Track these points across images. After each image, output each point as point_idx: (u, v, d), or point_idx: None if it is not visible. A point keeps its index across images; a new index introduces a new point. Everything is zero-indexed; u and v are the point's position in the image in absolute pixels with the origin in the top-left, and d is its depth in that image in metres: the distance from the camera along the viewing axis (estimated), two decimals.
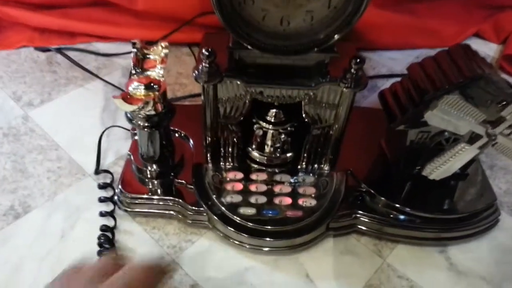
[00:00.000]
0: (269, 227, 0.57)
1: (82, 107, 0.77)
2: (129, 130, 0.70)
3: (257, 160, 0.63)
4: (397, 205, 0.60)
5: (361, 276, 0.57)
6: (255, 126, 0.61)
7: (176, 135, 0.67)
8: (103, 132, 0.70)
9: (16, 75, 0.84)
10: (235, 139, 0.61)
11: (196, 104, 0.78)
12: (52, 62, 0.87)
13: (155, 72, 0.54)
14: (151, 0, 0.89)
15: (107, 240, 0.57)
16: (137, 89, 0.52)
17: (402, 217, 0.60)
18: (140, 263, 0.42)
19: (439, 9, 0.98)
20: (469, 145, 0.50)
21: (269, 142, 0.62)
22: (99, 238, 0.57)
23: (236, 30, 0.48)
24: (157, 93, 0.52)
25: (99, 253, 0.56)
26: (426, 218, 0.60)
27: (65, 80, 0.83)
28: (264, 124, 0.60)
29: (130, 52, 0.87)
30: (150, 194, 0.61)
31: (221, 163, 0.63)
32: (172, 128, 0.66)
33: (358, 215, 0.60)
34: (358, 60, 0.49)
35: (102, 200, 0.61)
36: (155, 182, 0.62)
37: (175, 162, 0.63)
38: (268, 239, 0.57)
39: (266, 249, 0.58)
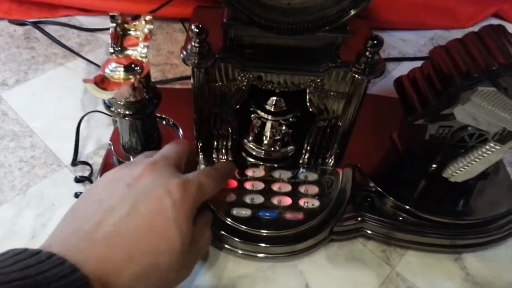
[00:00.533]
0: (265, 231, 0.51)
1: (61, 89, 0.70)
2: (110, 115, 0.63)
3: (254, 153, 0.57)
4: (408, 207, 0.53)
5: (367, 286, 0.51)
6: (252, 115, 0.54)
7: (164, 122, 0.60)
8: (82, 118, 0.63)
9: None
10: (229, 130, 0.54)
11: (188, 88, 0.70)
12: (30, 37, 0.79)
13: (137, 51, 0.47)
14: None
15: None
16: (115, 71, 0.45)
17: (413, 220, 0.53)
18: None
19: None
20: (501, 145, 0.43)
21: (267, 134, 0.55)
22: None
23: (232, 3, 0.41)
24: (138, 76, 0.45)
25: None
26: (440, 222, 0.53)
27: (43, 58, 0.75)
28: (262, 113, 0.53)
29: None
30: None
31: (214, 156, 0.57)
32: (158, 114, 0.59)
33: (366, 218, 0.53)
34: (375, 41, 0.42)
35: (78, 195, 0.54)
36: None
37: None
38: (264, 244, 0.51)
39: (262, 255, 0.51)
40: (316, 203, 0.52)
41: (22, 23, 0.81)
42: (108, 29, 0.82)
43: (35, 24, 0.80)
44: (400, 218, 0.54)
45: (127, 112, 0.48)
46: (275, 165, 0.56)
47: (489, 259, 0.54)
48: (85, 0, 0.83)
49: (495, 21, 0.91)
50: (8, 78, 0.71)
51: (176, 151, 0.45)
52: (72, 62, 0.75)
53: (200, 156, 0.56)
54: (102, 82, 0.43)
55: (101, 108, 0.65)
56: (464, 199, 0.55)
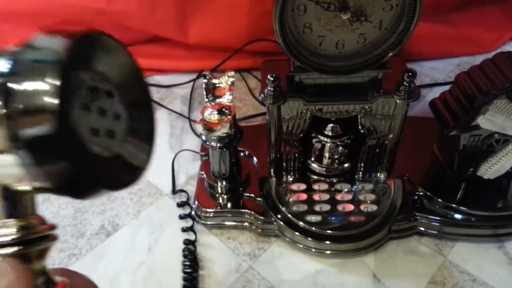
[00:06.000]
0: (334, 232, 0.62)
1: None
2: (197, 152, 0.78)
3: (317, 171, 0.69)
4: (454, 205, 0.64)
5: (425, 273, 0.61)
6: (314, 140, 0.66)
7: (241, 154, 0.74)
8: (175, 156, 0.78)
9: None
10: (296, 154, 0.67)
11: (253, 125, 0.85)
12: None
13: (225, 99, 0.61)
14: (202, 33, 0.98)
15: (190, 252, 0.63)
16: (211, 114, 0.59)
17: (459, 216, 0.63)
18: None
19: (476, 16, 1.02)
20: None
21: (327, 154, 0.67)
22: (183, 250, 0.63)
23: (296, 55, 0.55)
24: (229, 116, 0.59)
25: (183, 264, 0.62)
26: (482, 216, 0.63)
27: None
28: (322, 137, 0.66)
29: (186, 82, 0.97)
30: (223, 207, 0.67)
31: (284, 176, 0.69)
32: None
33: (418, 217, 0.64)
34: (410, 73, 0.54)
35: (182, 217, 0.68)
36: (227, 196, 0.69)
37: (243, 178, 0.70)
38: (333, 243, 0.62)
39: (333, 252, 0.63)
40: (374, 207, 0.64)
41: None
42: (180, 84, 1.00)
43: None
44: (448, 216, 0.64)
45: (219, 145, 0.62)
46: (334, 180, 0.68)
47: None
48: (160, 62, 1.01)
49: None
50: None
51: None
52: (157, 113, 0.91)
53: (273, 178, 0.69)
54: (207, 124, 0.57)
55: (185, 147, 0.80)
56: (501, 195, 0.65)
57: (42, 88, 0.22)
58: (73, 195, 0.26)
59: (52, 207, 0.72)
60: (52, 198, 0.74)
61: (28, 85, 0.22)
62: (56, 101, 0.21)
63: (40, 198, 0.74)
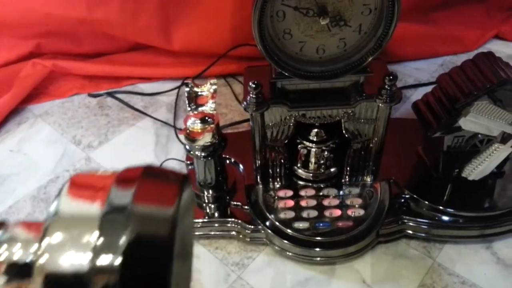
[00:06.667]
0: (322, 238, 0.62)
1: (136, 145, 0.85)
2: (183, 161, 0.77)
3: (303, 177, 0.69)
4: (441, 207, 0.64)
5: (415, 277, 0.61)
6: (299, 146, 0.66)
7: (227, 161, 0.73)
8: (160, 165, 0.77)
9: (73, 121, 0.92)
10: (282, 160, 0.67)
11: (239, 132, 0.85)
12: (103, 106, 0.96)
13: (208, 107, 0.61)
14: (185, 40, 0.97)
15: None
16: (194, 123, 0.59)
17: (446, 218, 0.63)
18: None
19: (458, 15, 1.02)
20: (503, 145, 0.54)
21: (313, 160, 0.67)
22: None
23: (276, 61, 0.54)
24: (212, 125, 0.58)
25: None
26: (469, 217, 0.63)
27: (117, 121, 0.91)
28: (307, 143, 0.65)
29: (171, 90, 0.97)
30: (210, 217, 0.67)
31: (270, 183, 0.69)
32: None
33: (405, 220, 0.64)
34: (391, 77, 0.54)
35: None
36: (213, 206, 0.68)
37: (229, 186, 0.69)
38: (322, 249, 0.62)
39: (322, 259, 0.62)
40: (361, 211, 0.64)
41: (96, 95, 0.98)
42: (165, 92, 0.99)
43: (107, 94, 0.97)
44: (435, 218, 0.64)
45: (203, 154, 0.62)
46: (322, 185, 0.68)
47: None
48: (144, 70, 1.00)
49: (497, 42, 1.03)
50: (92, 141, 0.87)
51: None
52: (141, 122, 0.90)
53: (260, 185, 0.69)
54: (188, 133, 0.57)
55: (171, 156, 0.80)
56: (487, 195, 0.65)
57: None
58: None
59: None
60: (50, 199, 0.73)
61: None
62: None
63: (39, 202, 0.73)
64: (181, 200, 0.22)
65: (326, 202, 0.65)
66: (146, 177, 0.23)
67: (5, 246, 0.23)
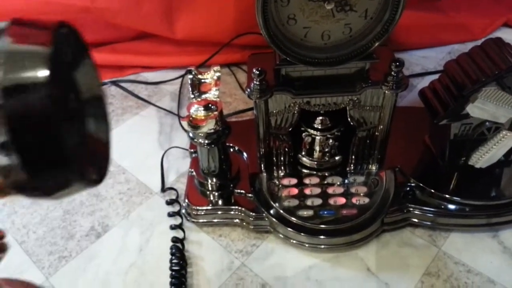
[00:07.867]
0: (326, 226, 0.61)
1: (140, 133, 0.84)
2: (186, 149, 0.76)
3: (308, 165, 0.68)
4: (447, 196, 0.63)
5: (420, 265, 0.60)
6: (303, 134, 0.65)
7: (231, 150, 0.73)
8: (163, 154, 0.77)
9: None
10: (286, 148, 0.66)
11: (243, 120, 0.84)
12: (107, 95, 0.95)
13: (211, 94, 0.60)
14: (189, 28, 0.96)
15: (178, 250, 0.63)
16: (197, 111, 0.58)
17: (452, 206, 0.63)
18: None
19: (465, 3, 1.01)
20: (510, 132, 0.53)
21: (317, 148, 0.66)
22: (171, 248, 0.63)
23: (281, 48, 0.53)
24: (216, 112, 0.58)
25: (171, 262, 0.61)
26: (476, 205, 0.63)
27: (121, 110, 0.90)
28: (312, 131, 0.65)
29: (175, 79, 0.96)
30: (214, 205, 0.66)
31: (275, 171, 0.68)
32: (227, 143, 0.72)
33: (411, 209, 0.63)
34: (397, 63, 0.53)
35: (171, 215, 0.67)
36: (217, 194, 0.68)
37: (233, 174, 0.69)
38: (326, 237, 0.61)
39: (326, 247, 0.62)
40: (366, 200, 0.63)
41: None
42: (169, 80, 0.99)
43: (113, 83, 0.96)
44: (441, 206, 0.63)
45: (206, 141, 0.61)
46: (326, 174, 0.67)
47: None
48: (148, 59, 1.00)
49: (505, 30, 1.01)
50: None
51: None
52: (145, 110, 0.90)
53: (264, 173, 0.68)
54: (193, 120, 0.56)
55: (175, 144, 0.79)
56: (494, 184, 0.64)
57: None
58: (44, 191, 0.25)
59: (40, 210, 0.71)
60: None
61: None
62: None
63: (27, 201, 0.73)
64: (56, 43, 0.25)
65: (330, 190, 0.65)
66: (17, 24, 0.25)
67: None
